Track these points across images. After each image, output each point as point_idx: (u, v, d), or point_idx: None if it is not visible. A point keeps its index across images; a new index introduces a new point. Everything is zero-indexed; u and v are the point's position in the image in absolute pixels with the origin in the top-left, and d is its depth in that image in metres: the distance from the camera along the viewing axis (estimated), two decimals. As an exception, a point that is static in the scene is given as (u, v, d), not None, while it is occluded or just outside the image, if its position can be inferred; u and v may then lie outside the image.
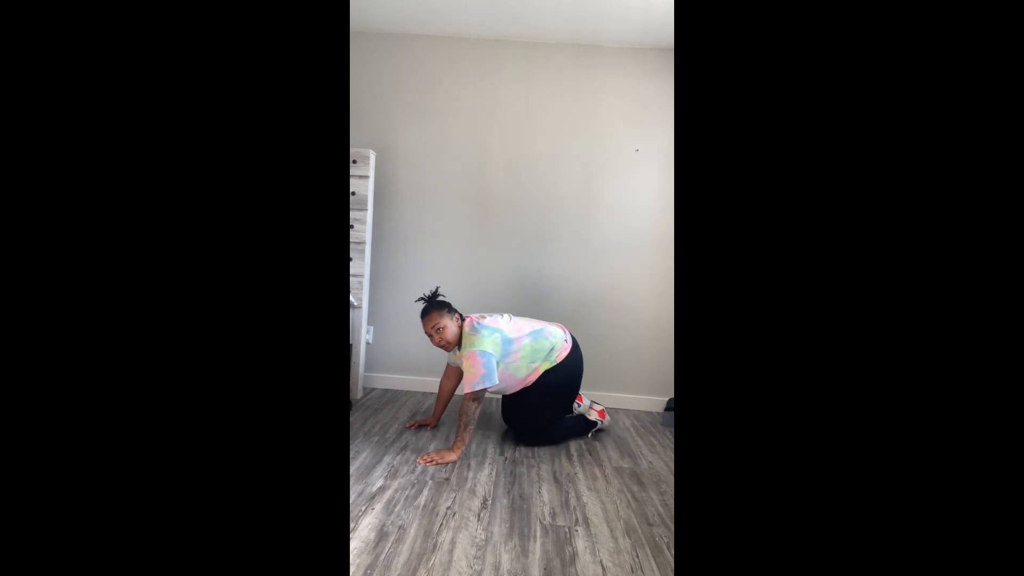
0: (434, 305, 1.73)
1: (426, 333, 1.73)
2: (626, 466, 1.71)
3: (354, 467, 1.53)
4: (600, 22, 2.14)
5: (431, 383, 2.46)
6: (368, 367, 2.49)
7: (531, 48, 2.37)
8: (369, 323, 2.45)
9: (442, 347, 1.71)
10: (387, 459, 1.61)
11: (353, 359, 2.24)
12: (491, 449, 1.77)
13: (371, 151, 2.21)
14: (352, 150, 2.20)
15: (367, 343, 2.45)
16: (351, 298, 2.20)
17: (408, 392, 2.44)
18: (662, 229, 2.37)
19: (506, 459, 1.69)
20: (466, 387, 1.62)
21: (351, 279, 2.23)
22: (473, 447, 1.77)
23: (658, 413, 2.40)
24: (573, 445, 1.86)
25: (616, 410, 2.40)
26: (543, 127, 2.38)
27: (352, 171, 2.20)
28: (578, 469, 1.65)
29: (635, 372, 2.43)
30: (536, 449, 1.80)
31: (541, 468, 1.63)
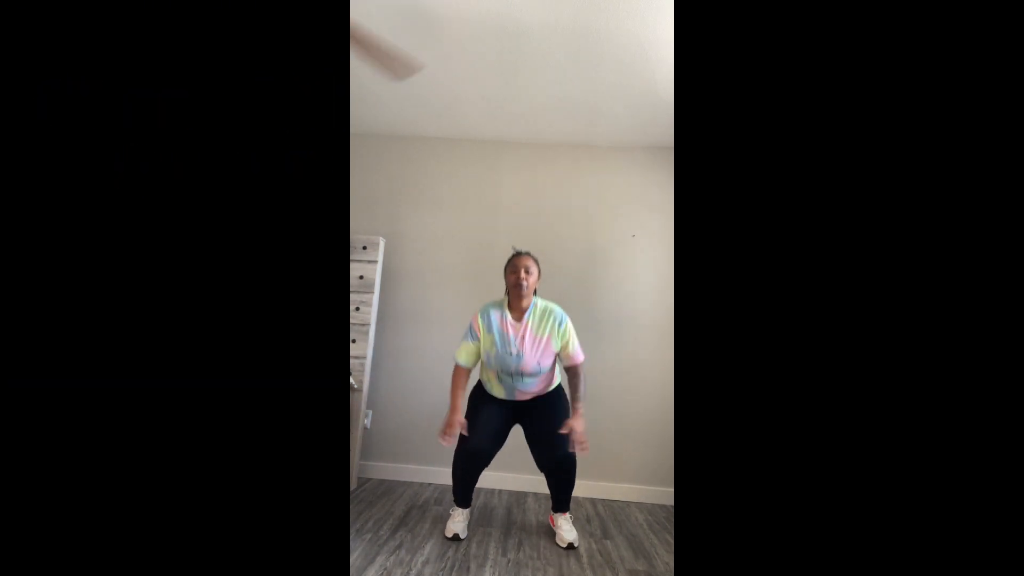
0: (530, 253, 1.77)
1: (513, 269, 1.70)
2: (641, 568, 1.56)
3: (343, 570, 1.40)
4: (594, 125, 2.36)
5: (430, 472, 2.33)
6: (364, 455, 2.37)
7: (531, 148, 2.59)
8: (368, 407, 2.39)
9: (516, 288, 1.67)
10: (380, 559, 1.48)
11: (350, 446, 2.15)
12: (492, 549, 1.63)
13: (380, 238, 2.33)
14: (363, 237, 2.32)
15: (365, 428, 2.37)
16: (351, 381, 2.17)
17: (406, 483, 2.30)
18: (663, 310, 2.40)
19: (509, 561, 1.54)
20: (578, 356, 1.71)
21: (353, 361, 2.22)
22: (473, 547, 1.63)
23: (672, 506, 2.23)
24: (582, 546, 1.71)
25: (627, 503, 2.23)
26: (543, 216, 2.52)
27: (362, 256, 2.30)
28: (588, 572, 1.50)
29: (646, 460, 2.31)
30: (542, 550, 1.65)
31: (548, 572, 1.48)
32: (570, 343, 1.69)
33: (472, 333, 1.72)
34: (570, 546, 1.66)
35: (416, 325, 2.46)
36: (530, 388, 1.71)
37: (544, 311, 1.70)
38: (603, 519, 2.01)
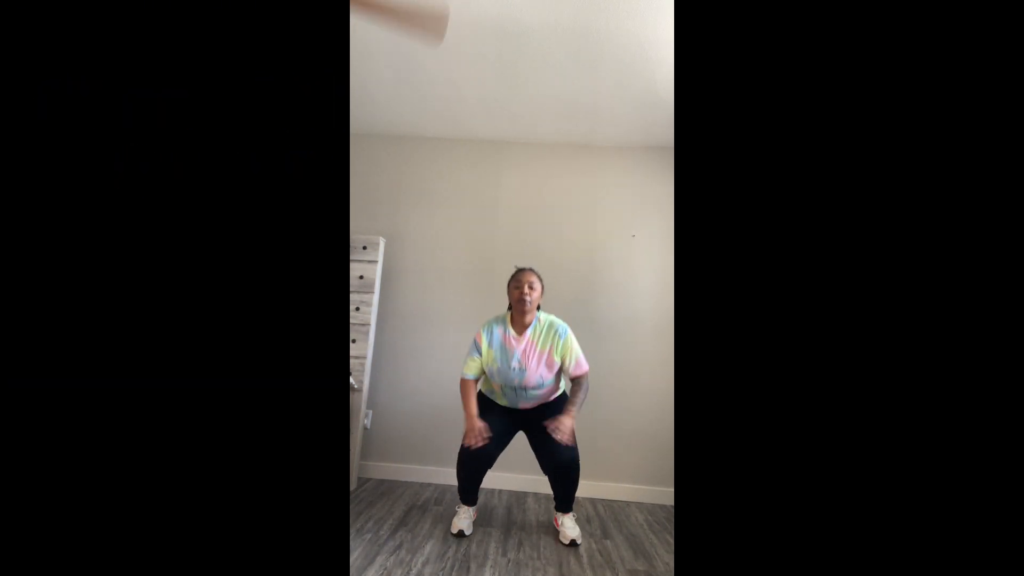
0: (533, 269, 1.80)
1: (517, 284, 1.72)
2: (641, 568, 1.56)
3: (343, 570, 1.40)
4: (594, 125, 2.36)
5: (430, 472, 2.33)
6: (364, 455, 2.37)
7: (531, 147, 2.59)
8: (368, 407, 2.39)
9: (520, 303, 1.69)
10: (380, 559, 1.48)
11: (350, 446, 2.15)
12: (492, 549, 1.63)
13: (381, 238, 2.33)
14: (363, 237, 2.32)
15: (365, 428, 2.37)
16: (351, 381, 2.17)
17: (406, 483, 2.30)
18: (663, 310, 2.40)
19: (509, 561, 1.54)
20: (581, 367, 1.72)
21: (353, 361, 2.22)
22: (473, 547, 1.63)
23: (672, 506, 2.23)
24: (583, 546, 1.71)
25: (627, 503, 2.23)
26: (544, 215, 2.52)
27: (362, 256, 2.30)
28: (588, 572, 1.50)
29: (646, 460, 2.31)
30: (542, 550, 1.65)
31: (548, 571, 1.48)
32: (570, 356, 1.71)
33: (476, 347, 1.74)
34: (572, 543, 1.67)
35: (416, 325, 2.46)
36: (533, 401, 1.75)
37: (547, 325, 1.73)
38: (603, 519, 2.01)
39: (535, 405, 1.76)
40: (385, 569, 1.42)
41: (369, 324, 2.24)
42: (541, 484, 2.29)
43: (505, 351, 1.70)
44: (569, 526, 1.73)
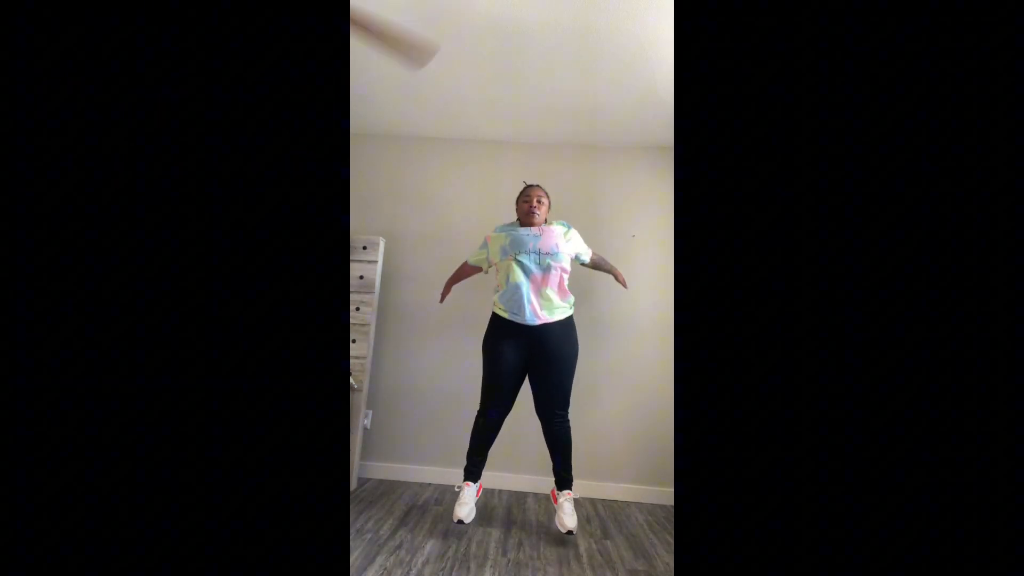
0: (540, 186, 1.94)
1: (526, 198, 1.85)
2: (641, 568, 1.56)
3: (343, 570, 1.40)
4: (596, 126, 2.36)
5: (431, 472, 2.33)
6: (364, 455, 2.37)
7: (531, 148, 2.59)
8: (368, 407, 2.39)
9: (530, 215, 1.82)
10: (380, 559, 1.48)
11: (350, 446, 2.15)
12: (492, 549, 1.63)
13: (381, 238, 2.33)
14: (363, 237, 2.32)
15: (365, 428, 2.37)
16: (351, 381, 2.17)
17: (406, 483, 2.30)
18: (663, 310, 2.40)
19: (509, 561, 1.54)
20: (589, 251, 1.94)
21: (353, 361, 2.22)
22: (473, 547, 1.63)
23: (672, 506, 2.23)
24: (582, 546, 1.71)
25: (627, 503, 2.23)
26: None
27: (362, 256, 2.30)
28: (588, 572, 1.50)
29: (646, 460, 2.31)
30: (542, 550, 1.65)
31: (548, 571, 1.48)
32: (578, 246, 1.87)
33: (485, 243, 1.93)
34: (569, 532, 1.66)
35: (416, 325, 2.46)
36: (548, 282, 1.75)
37: (555, 223, 1.87)
38: (603, 519, 2.01)
39: (543, 321, 1.74)
40: (385, 569, 1.42)
41: (369, 324, 2.24)
42: (541, 484, 2.29)
43: (518, 229, 1.83)
44: (568, 511, 1.70)
